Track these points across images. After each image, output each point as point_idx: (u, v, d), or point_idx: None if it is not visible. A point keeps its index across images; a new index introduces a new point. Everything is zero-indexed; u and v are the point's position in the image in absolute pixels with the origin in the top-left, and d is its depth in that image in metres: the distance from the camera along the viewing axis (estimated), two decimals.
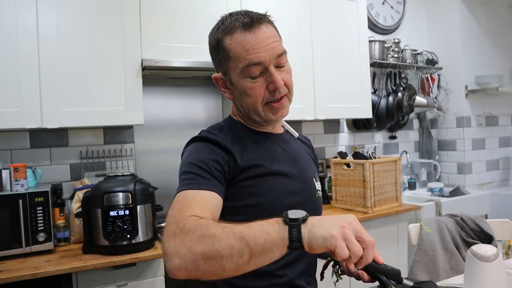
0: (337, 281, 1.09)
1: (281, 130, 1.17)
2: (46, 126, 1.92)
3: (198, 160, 0.96)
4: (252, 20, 0.98)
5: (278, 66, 1.01)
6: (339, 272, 1.08)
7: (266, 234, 0.71)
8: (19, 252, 1.82)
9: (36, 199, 1.86)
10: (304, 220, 0.72)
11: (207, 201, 0.90)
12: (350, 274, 1.03)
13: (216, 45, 1.02)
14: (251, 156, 1.02)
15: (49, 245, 1.88)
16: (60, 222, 2.03)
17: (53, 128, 1.95)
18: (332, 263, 1.09)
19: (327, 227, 0.70)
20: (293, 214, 0.72)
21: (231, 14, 1.02)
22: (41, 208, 1.86)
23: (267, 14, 1.03)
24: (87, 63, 2.01)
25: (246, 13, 1.00)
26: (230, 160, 0.99)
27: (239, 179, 0.99)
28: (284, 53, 1.02)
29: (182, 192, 0.91)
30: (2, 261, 1.77)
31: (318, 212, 1.14)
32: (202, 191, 0.91)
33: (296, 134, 1.22)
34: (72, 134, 2.29)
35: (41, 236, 1.85)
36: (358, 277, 0.98)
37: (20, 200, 1.82)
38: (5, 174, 1.92)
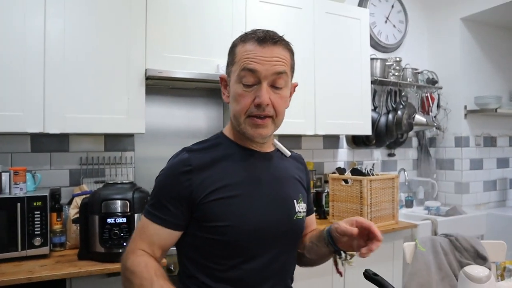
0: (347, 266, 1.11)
1: (270, 149, 1.17)
2: (48, 131, 1.93)
3: (164, 188, 1.04)
4: (266, 37, 1.02)
5: (275, 87, 1.03)
6: (348, 258, 1.09)
7: None
8: (15, 255, 1.82)
9: (34, 203, 1.86)
10: None
11: (159, 236, 1.03)
12: (356, 249, 1.04)
13: (231, 48, 1.08)
14: (223, 177, 1.04)
15: (45, 250, 1.88)
16: (57, 227, 2.03)
17: (56, 133, 1.96)
18: (337, 256, 1.11)
19: None
20: None
21: (257, 29, 1.07)
22: (38, 212, 1.87)
23: (285, 39, 1.07)
24: (92, 71, 2.03)
25: (268, 32, 1.04)
26: (197, 182, 1.02)
27: (209, 200, 1.02)
28: (283, 74, 1.03)
29: (144, 220, 1.05)
30: None
31: (295, 234, 1.14)
32: (156, 225, 1.02)
33: (288, 153, 1.21)
34: (73, 139, 2.31)
35: (37, 241, 1.85)
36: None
37: (19, 204, 1.83)
38: (4, 177, 1.93)
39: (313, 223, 1.29)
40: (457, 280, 1.64)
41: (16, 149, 2.18)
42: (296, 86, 1.16)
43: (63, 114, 1.96)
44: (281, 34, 1.09)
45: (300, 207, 1.14)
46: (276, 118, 1.05)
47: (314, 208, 2.76)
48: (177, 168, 1.04)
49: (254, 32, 1.04)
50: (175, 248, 1.11)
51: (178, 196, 1.02)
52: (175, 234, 1.04)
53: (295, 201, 1.13)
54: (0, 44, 1.85)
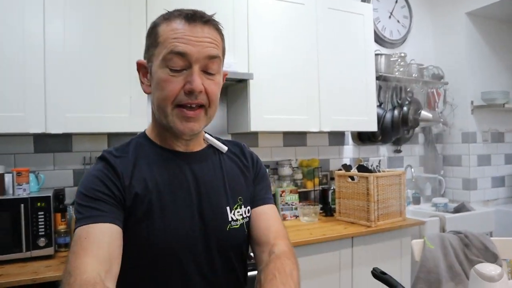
0: None
1: (200, 147, 1.02)
2: (50, 131, 1.92)
3: (91, 189, 0.88)
4: (195, 15, 0.90)
5: (207, 72, 0.90)
6: None
7: None
8: (19, 256, 1.81)
9: (38, 204, 1.85)
10: None
11: (103, 238, 0.82)
12: None
13: (151, 29, 0.93)
14: (140, 186, 0.91)
15: (50, 251, 1.87)
16: (62, 227, 2.02)
17: (57, 133, 1.95)
18: None
19: None
20: None
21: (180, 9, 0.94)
22: (42, 213, 1.86)
23: (215, 19, 0.94)
24: (93, 70, 2.01)
25: (196, 10, 0.92)
26: (123, 187, 0.90)
27: (131, 213, 0.90)
28: (216, 58, 0.91)
29: (78, 230, 0.84)
30: (2, 265, 1.76)
31: (229, 248, 0.98)
32: (96, 225, 0.83)
33: (225, 149, 1.06)
34: (76, 139, 2.30)
35: (41, 241, 1.84)
36: None
37: (22, 205, 1.82)
38: (8, 178, 1.92)
39: (265, 213, 1.05)
40: (467, 278, 1.61)
41: (19, 150, 2.17)
42: (226, 75, 1.02)
43: (65, 114, 1.94)
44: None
45: (237, 213, 0.99)
46: (209, 108, 0.92)
47: (320, 205, 2.77)
48: (103, 173, 0.90)
49: (179, 10, 0.92)
50: None
51: (117, 185, 0.89)
52: (119, 231, 0.86)
53: (228, 208, 0.98)
54: (0, 45, 1.84)
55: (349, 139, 3.29)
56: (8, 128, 1.86)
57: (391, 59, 3.31)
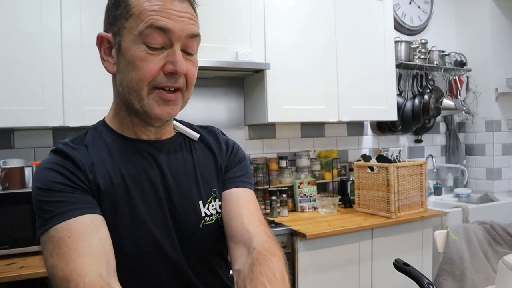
0: None
1: (169, 135, 0.92)
2: (68, 125, 1.93)
3: (52, 182, 0.76)
4: None
5: (185, 52, 0.81)
6: None
7: None
8: (40, 249, 1.83)
9: None
10: None
11: (89, 232, 0.72)
12: None
13: None
14: (108, 177, 0.81)
15: None
16: None
17: (75, 126, 1.96)
18: None
19: None
20: None
21: None
22: None
23: None
24: None
25: None
26: (88, 181, 0.79)
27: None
28: (198, 37, 0.82)
29: (53, 231, 0.72)
30: (23, 257, 1.79)
31: (203, 245, 0.88)
32: (75, 219, 0.72)
33: (196, 136, 0.95)
34: None
35: None
36: None
37: None
38: (27, 171, 1.94)
39: (237, 197, 0.92)
40: (492, 270, 1.56)
41: (38, 144, 2.20)
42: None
43: (82, 107, 1.95)
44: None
45: (211, 207, 0.89)
46: (186, 91, 0.83)
47: (339, 197, 2.73)
48: (59, 165, 0.78)
49: None
50: None
51: (77, 185, 0.78)
52: (102, 218, 0.77)
53: (201, 202, 0.88)
54: (19, 41, 1.85)
55: (368, 129, 3.23)
56: (28, 121, 1.88)
57: (412, 46, 3.22)
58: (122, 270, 0.76)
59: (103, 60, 0.85)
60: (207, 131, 1.00)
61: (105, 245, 0.73)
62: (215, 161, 0.95)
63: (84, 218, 0.73)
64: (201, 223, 0.87)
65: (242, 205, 0.90)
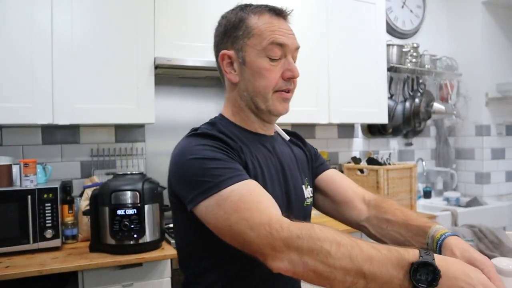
0: None
1: (273, 132, 1.10)
2: (57, 123, 1.91)
3: (216, 153, 0.87)
4: (282, 10, 1.00)
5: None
6: None
7: (388, 278, 0.68)
8: (27, 248, 1.81)
9: (45, 196, 1.85)
10: (434, 282, 0.66)
11: (264, 191, 0.85)
12: None
13: (238, 22, 0.98)
14: (250, 157, 0.96)
15: (57, 242, 1.87)
16: (69, 219, 2.02)
17: (65, 124, 1.94)
18: None
19: None
20: (422, 275, 0.66)
21: (252, 4, 1.02)
22: (49, 204, 1.85)
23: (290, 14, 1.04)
24: (100, 60, 2.00)
25: (276, 6, 1.01)
26: (238, 155, 0.93)
27: None
28: (299, 49, 1.03)
29: (227, 191, 0.81)
30: (9, 256, 1.77)
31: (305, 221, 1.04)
32: (250, 181, 0.85)
33: (287, 138, 1.15)
34: (84, 131, 2.29)
35: (48, 233, 1.84)
36: None
37: (29, 196, 1.81)
38: (15, 169, 1.91)
39: (337, 174, 1.17)
40: None
41: (27, 142, 2.17)
42: None
43: (72, 105, 1.93)
44: (291, 21, 1.04)
45: (308, 192, 1.09)
46: (292, 92, 1.02)
47: None
48: (214, 136, 0.92)
49: (263, 4, 1.00)
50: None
51: (235, 155, 0.91)
52: None
53: (303, 186, 1.08)
54: (8, 37, 1.83)
55: (359, 131, 3.24)
56: (16, 119, 1.86)
57: (403, 49, 3.24)
58: None
59: (225, 72, 1.01)
60: (290, 132, 1.19)
61: (274, 200, 0.84)
62: (305, 155, 1.15)
63: (253, 181, 0.86)
64: (305, 203, 1.07)
65: (342, 179, 1.16)
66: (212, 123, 1.03)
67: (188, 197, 0.85)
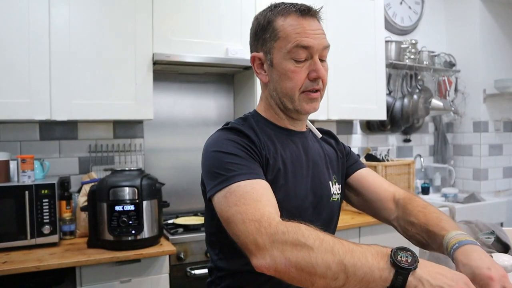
0: None
1: (304, 129, 1.13)
2: (55, 118, 1.90)
3: (237, 149, 0.94)
4: (309, 9, 1.00)
5: (321, 60, 1.01)
6: None
7: (368, 269, 0.70)
8: (24, 243, 1.81)
9: (43, 191, 1.85)
10: (413, 269, 0.69)
11: (267, 191, 0.88)
12: None
13: (266, 24, 1.02)
14: (273, 154, 1.01)
15: (54, 238, 1.87)
16: (67, 215, 2.02)
17: (63, 120, 1.94)
18: None
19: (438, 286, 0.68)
20: (402, 257, 0.71)
21: (284, 2, 1.04)
22: (47, 200, 1.85)
23: (320, 11, 1.05)
24: (98, 56, 1.99)
25: (304, 4, 1.01)
26: (260, 154, 0.98)
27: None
28: (328, 47, 1.03)
29: (235, 186, 0.87)
30: (7, 252, 1.77)
31: (330, 217, 1.10)
32: (255, 180, 0.89)
33: (319, 135, 1.18)
34: (82, 127, 2.28)
35: (46, 229, 1.84)
36: None
37: (27, 192, 1.81)
38: (12, 165, 1.91)
39: (371, 173, 1.21)
40: None
41: (25, 137, 2.16)
42: None
43: (70, 101, 1.93)
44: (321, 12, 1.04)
45: (335, 188, 1.11)
46: (322, 90, 1.04)
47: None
48: (242, 132, 0.98)
49: (289, 5, 1.01)
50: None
51: (255, 149, 0.96)
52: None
53: (330, 182, 1.11)
54: (5, 32, 1.82)
55: (357, 128, 3.24)
56: (14, 114, 1.85)
57: (402, 46, 3.24)
58: None
59: (257, 73, 1.06)
60: (323, 130, 1.22)
61: (276, 203, 0.88)
62: (336, 153, 1.18)
63: (261, 181, 0.90)
64: (331, 198, 1.09)
65: (375, 178, 1.19)
66: (244, 118, 1.08)
67: (208, 187, 0.93)
